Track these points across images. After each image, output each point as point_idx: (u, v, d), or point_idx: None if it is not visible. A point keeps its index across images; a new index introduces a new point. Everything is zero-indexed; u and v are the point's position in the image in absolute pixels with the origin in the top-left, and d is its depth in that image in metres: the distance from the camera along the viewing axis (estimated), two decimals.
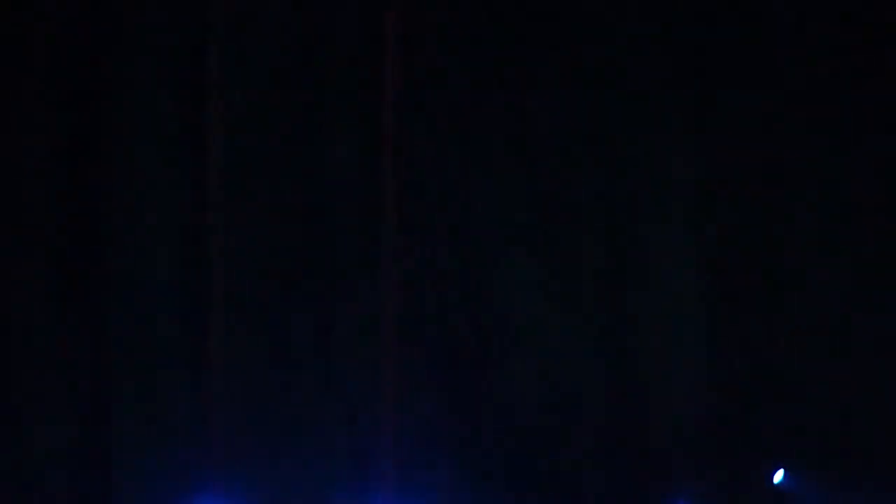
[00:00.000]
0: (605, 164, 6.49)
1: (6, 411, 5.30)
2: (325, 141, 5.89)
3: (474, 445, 6.51)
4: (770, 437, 7.30)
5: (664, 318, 6.86)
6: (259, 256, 5.89)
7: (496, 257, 6.31)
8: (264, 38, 5.69)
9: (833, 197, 6.78)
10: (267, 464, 6.04)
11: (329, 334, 5.99)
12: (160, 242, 5.71)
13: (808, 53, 6.58)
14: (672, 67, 6.43)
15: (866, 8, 6.54)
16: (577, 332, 6.63)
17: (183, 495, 5.83)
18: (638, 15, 6.27)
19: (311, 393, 6.00)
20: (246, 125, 5.70)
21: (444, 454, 6.41)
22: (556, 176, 6.28)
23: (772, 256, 6.91)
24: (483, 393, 6.49)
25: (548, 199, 6.32)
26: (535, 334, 6.49)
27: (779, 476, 7.38)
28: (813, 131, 6.70)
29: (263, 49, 5.71)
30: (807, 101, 6.63)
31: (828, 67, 6.58)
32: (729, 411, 7.26)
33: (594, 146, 6.37)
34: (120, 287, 5.59)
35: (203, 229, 5.71)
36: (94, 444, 5.46)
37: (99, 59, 5.46)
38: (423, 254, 6.10)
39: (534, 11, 5.97)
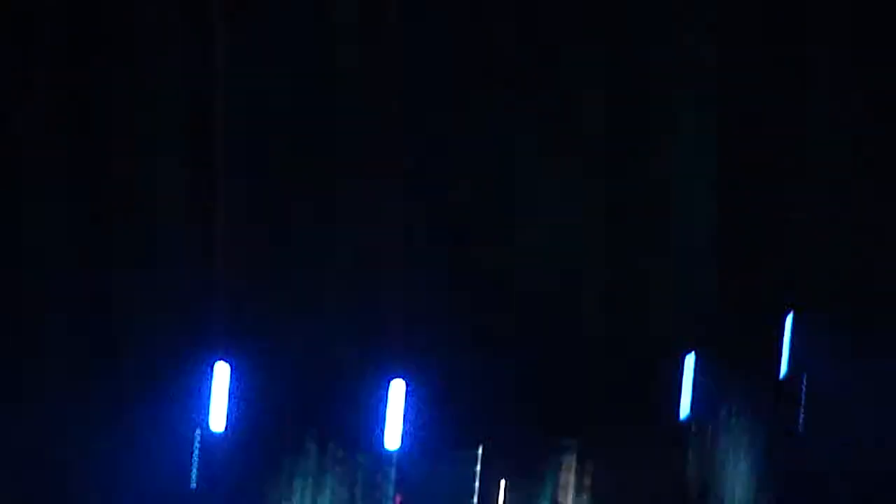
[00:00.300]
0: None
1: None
2: None
3: (479, 310, 6.82)
4: (780, 282, 7.43)
5: (670, 174, 6.95)
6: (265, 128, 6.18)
7: (501, 123, 6.47)
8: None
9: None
10: (274, 331, 6.46)
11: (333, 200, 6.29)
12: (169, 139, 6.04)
13: None
14: None
15: None
16: (582, 194, 6.79)
17: (192, 357, 6.30)
18: None
19: (313, 256, 6.34)
20: None
21: (449, 320, 6.74)
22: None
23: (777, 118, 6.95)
24: (487, 260, 6.75)
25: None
26: (539, 198, 6.67)
27: (788, 321, 7.54)
28: None
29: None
30: None
31: None
32: (737, 256, 7.37)
33: None
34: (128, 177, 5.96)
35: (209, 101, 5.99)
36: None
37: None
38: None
39: None
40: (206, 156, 5.91)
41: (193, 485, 6.82)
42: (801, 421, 7.47)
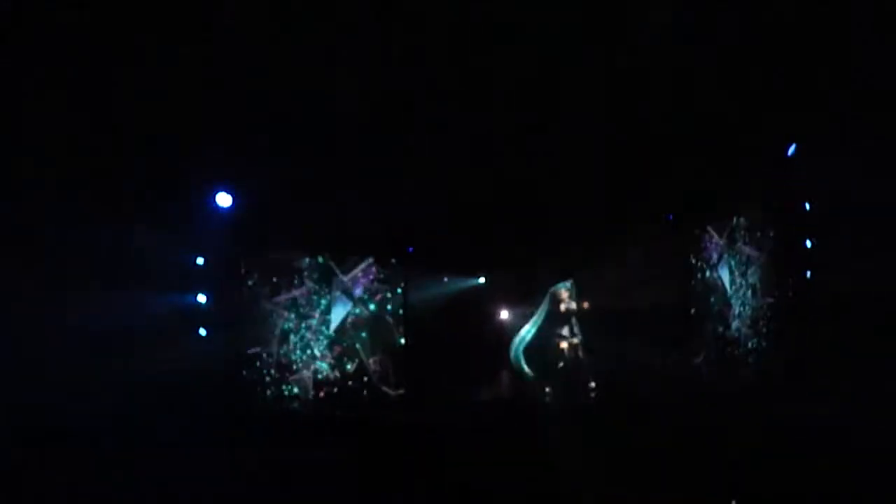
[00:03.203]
0: None
1: None
2: None
3: None
4: (780, 112, 7.35)
5: None
6: None
7: None
8: None
9: None
10: None
11: None
12: None
13: None
14: None
15: None
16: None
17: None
18: None
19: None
20: None
21: None
22: None
23: None
24: None
25: None
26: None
27: (791, 149, 7.50)
28: None
29: None
30: None
31: None
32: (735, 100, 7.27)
33: None
34: None
35: None
36: None
37: None
38: None
39: None
40: None
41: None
42: None
